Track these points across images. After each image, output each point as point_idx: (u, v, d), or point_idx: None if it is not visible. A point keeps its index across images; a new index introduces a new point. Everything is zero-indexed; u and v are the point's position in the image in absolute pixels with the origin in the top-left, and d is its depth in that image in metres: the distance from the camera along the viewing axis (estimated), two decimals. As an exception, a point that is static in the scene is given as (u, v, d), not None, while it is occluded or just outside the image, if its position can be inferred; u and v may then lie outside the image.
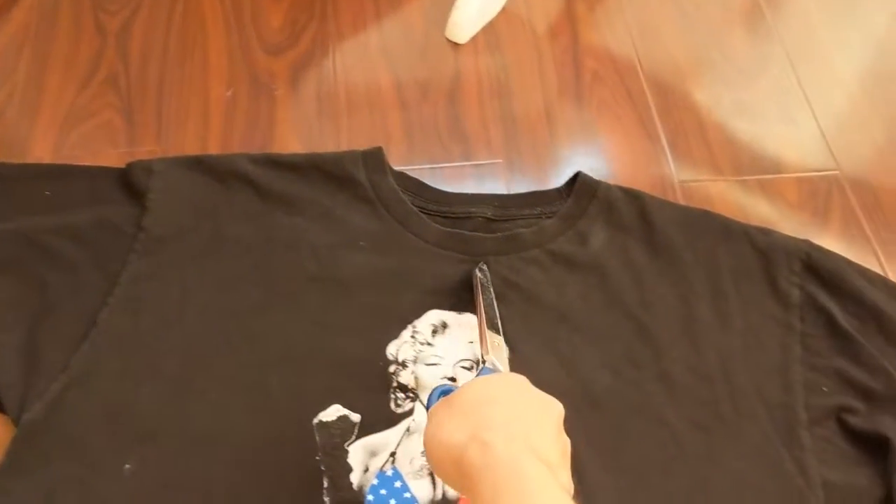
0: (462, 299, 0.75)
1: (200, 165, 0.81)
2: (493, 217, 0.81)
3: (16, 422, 0.66)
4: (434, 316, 0.75)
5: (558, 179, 0.86)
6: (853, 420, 0.70)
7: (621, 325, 0.76)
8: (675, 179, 0.89)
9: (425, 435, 0.53)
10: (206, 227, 0.78)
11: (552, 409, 0.54)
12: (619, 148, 0.92)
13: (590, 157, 0.91)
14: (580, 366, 0.73)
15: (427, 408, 0.59)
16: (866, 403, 0.71)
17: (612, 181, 0.84)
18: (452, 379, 0.72)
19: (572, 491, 0.50)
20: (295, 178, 0.81)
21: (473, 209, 0.81)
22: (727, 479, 0.68)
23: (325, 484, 0.65)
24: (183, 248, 0.76)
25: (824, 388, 0.72)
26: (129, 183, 0.79)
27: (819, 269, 0.78)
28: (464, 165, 0.89)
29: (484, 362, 0.66)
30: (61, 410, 0.67)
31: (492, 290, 0.73)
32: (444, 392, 0.60)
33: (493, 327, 0.69)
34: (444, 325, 0.74)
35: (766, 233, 0.81)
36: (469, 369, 0.72)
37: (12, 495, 0.63)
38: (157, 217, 0.77)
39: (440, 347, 0.73)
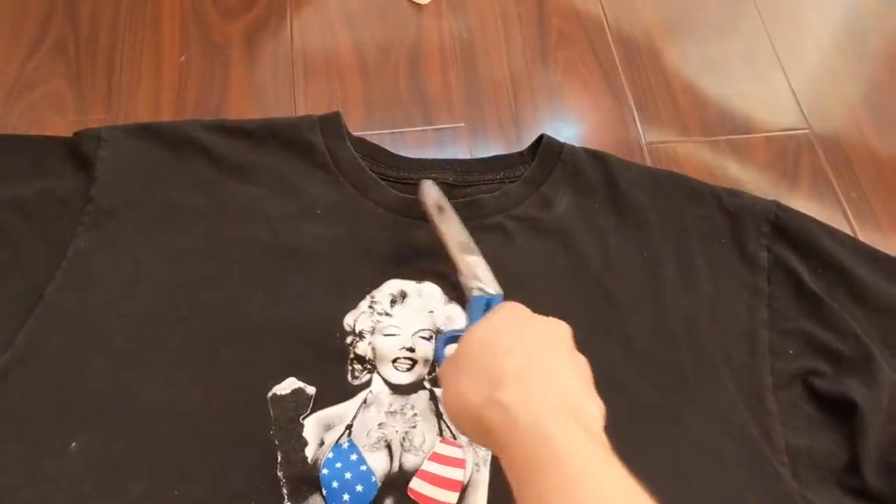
0: (422, 268, 0.73)
1: (150, 133, 0.78)
2: (454, 182, 0.79)
3: None
4: (393, 285, 0.73)
5: (522, 143, 0.84)
6: (819, 383, 0.69)
7: (586, 290, 0.74)
8: (643, 141, 0.87)
9: (444, 400, 0.52)
10: (157, 196, 0.75)
11: (559, 335, 0.52)
12: (586, 110, 0.90)
13: (555, 120, 0.89)
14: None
15: (436, 359, 0.57)
16: (833, 366, 0.70)
17: (578, 143, 0.82)
18: (411, 349, 0.70)
19: (603, 409, 0.49)
20: (249, 144, 0.78)
21: (434, 175, 0.79)
22: (690, 444, 0.67)
23: (279, 458, 0.64)
24: (133, 220, 0.73)
25: (790, 352, 0.71)
26: (76, 152, 0.76)
27: (787, 230, 0.76)
28: (425, 130, 0.87)
29: (471, 293, 0.62)
30: (6, 388, 0.65)
31: (450, 207, 0.70)
32: (449, 339, 0.58)
33: (465, 249, 0.65)
34: (404, 295, 0.72)
35: (734, 194, 0.79)
36: (428, 339, 0.70)
37: None
38: (106, 187, 0.74)
39: (399, 317, 0.71)
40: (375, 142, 0.81)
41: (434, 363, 0.69)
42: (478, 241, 0.74)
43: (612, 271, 0.74)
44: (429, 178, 0.77)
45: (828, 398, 0.69)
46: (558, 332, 0.53)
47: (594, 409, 0.48)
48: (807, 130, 0.89)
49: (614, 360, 0.70)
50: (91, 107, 0.86)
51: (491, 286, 0.62)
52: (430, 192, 0.71)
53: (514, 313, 0.54)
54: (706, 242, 0.76)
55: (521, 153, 0.81)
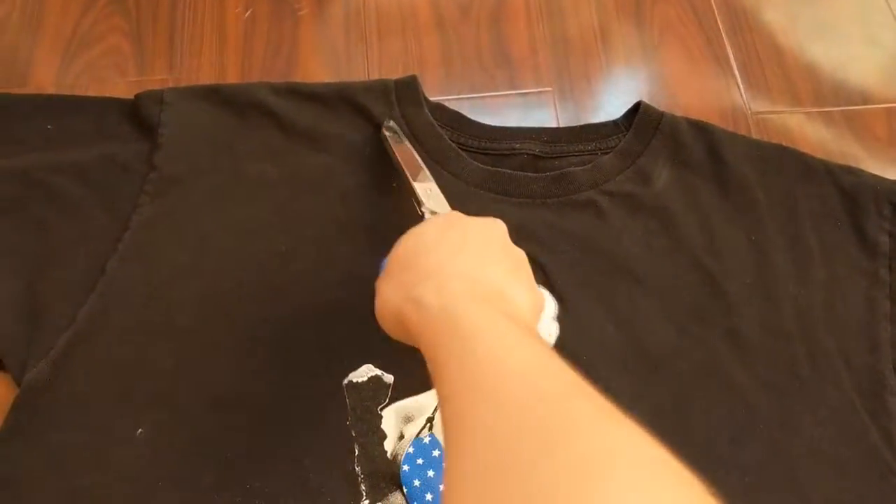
0: None
1: (217, 96, 0.73)
2: (540, 154, 0.73)
3: (18, 381, 0.61)
4: None
5: (615, 110, 0.77)
6: None
7: (687, 275, 0.68)
8: (748, 111, 0.80)
9: (375, 308, 0.51)
10: (224, 165, 0.70)
11: (491, 232, 0.51)
12: (684, 75, 0.82)
13: (651, 85, 0.82)
14: (639, 322, 0.66)
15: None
16: None
17: (677, 111, 0.75)
18: None
19: (536, 302, 0.48)
20: (321, 110, 0.73)
21: (518, 145, 0.73)
22: (803, 449, 0.61)
23: (357, 451, 0.60)
24: (199, 190, 0.69)
25: None
26: (138, 116, 0.72)
27: None
28: (508, 94, 0.80)
29: (422, 216, 0.61)
30: (68, 369, 0.61)
31: (405, 139, 0.70)
32: None
33: (421, 179, 0.65)
34: None
35: (852, 172, 0.72)
36: None
37: (15, 463, 0.58)
38: (170, 154, 0.70)
39: None
40: (454, 108, 0.75)
41: None
42: (568, 218, 0.69)
43: (715, 255, 0.68)
44: (514, 148, 0.72)
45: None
46: (490, 229, 0.52)
47: (520, 298, 0.46)
48: (932, 100, 0.81)
49: (718, 353, 0.64)
50: (152, 66, 0.81)
51: (442, 208, 0.61)
52: (389, 132, 0.71)
53: (447, 218, 0.54)
54: (820, 225, 0.70)
55: (615, 122, 0.75)
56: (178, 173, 0.69)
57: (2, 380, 0.63)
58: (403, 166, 0.66)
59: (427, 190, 0.63)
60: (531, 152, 0.73)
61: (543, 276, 0.67)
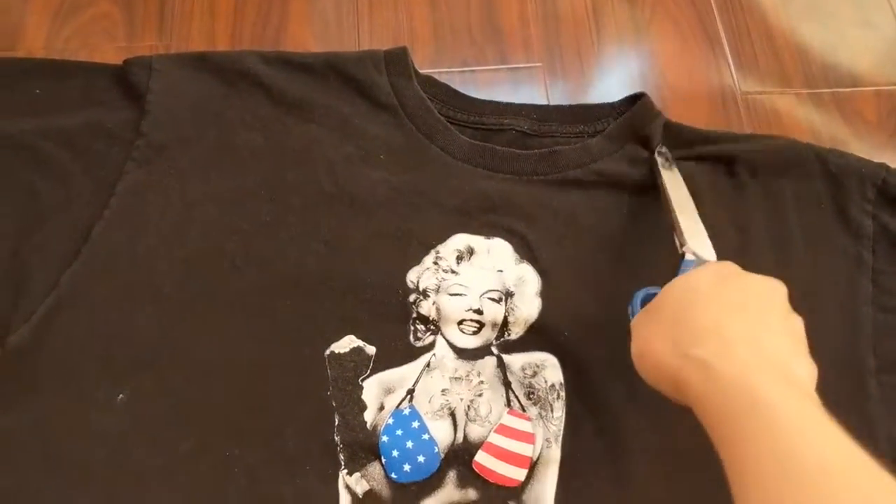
0: (492, 222, 0.68)
1: (205, 63, 0.73)
2: (529, 132, 0.73)
3: (1, 344, 0.61)
4: (459, 240, 0.68)
5: (604, 87, 0.78)
6: None
7: (669, 253, 0.68)
8: (738, 90, 0.80)
9: (632, 352, 0.49)
10: (211, 133, 0.70)
11: (772, 293, 0.49)
12: (675, 53, 0.82)
13: (641, 62, 0.82)
14: (621, 297, 0.65)
15: (631, 315, 0.54)
16: None
17: (667, 91, 0.77)
18: (478, 311, 0.65)
19: (815, 374, 0.46)
20: (310, 80, 0.73)
21: (508, 121, 0.73)
22: None
23: (337, 422, 0.61)
24: (186, 158, 0.69)
25: None
26: (126, 82, 0.72)
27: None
28: (498, 69, 0.80)
29: (683, 255, 0.58)
30: (50, 334, 0.62)
31: (676, 168, 0.67)
32: (647, 297, 0.54)
33: (688, 215, 0.62)
34: (471, 252, 0.67)
35: (839, 154, 0.72)
36: (497, 301, 0.66)
37: None
38: (158, 122, 0.70)
39: (465, 276, 0.66)
40: (444, 80, 0.75)
41: (504, 327, 0.65)
42: (554, 195, 0.69)
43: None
44: (503, 124, 0.72)
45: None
46: (769, 290, 0.49)
47: (805, 371, 0.45)
48: (922, 84, 0.81)
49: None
50: (143, 32, 0.81)
51: (706, 252, 0.58)
52: (661, 159, 0.69)
53: (720, 270, 0.51)
54: (804, 207, 0.70)
55: (611, 105, 0.74)
56: (165, 141, 0.69)
57: (-15, 343, 0.63)
58: (670, 196, 0.64)
59: (693, 229, 0.60)
60: (520, 129, 0.73)
61: (528, 250, 0.67)
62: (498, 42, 0.82)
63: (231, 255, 0.66)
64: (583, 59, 0.81)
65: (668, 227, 0.64)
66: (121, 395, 0.60)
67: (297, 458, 0.59)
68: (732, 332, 0.44)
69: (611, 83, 0.77)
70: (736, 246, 0.68)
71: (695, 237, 0.59)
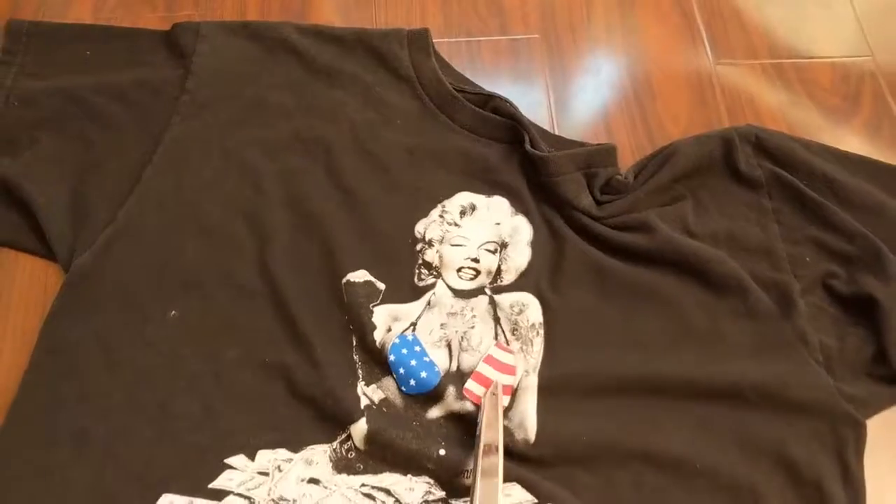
0: (492, 182, 0.77)
1: (247, 31, 0.82)
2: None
3: (66, 269, 0.70)
4: (464, 197, 0.76)
5: (594, 60, 0.87)
6: (838, 285, 0.73)
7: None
8: (710, 61, 0.89)
9: None
10: (249, 93, 0.79)
11: None
12: (657, 30, 0.92)
13: (625, 37, 0.91)
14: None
15: None
16: (846, 267, 0.73)
17: (647, 61, 0.86)
18: (476, 260, 0.73)
19: None
20: (339, 51, 0.82)
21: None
22: (729, 350, 0.71)
23: (354, 342, 0.69)
24: (225, 113, 0.78)
25: (807, 259, 0.74)
26: (174, 44, 0.81)
27: (768, 147, 0.79)
28: (500, 39, 0.89)
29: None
30: (109, 258, 0.70)
31: (502, 406, 0.66)
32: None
33: (488, 452, 0.61)
34: (473, 207, 0.76)
35: (723, 129, 0.81)
36: (493, 252, 0.74)
37: (63, 338, 0.67)
38: (202, 81, 0.79)
39: (467, 228, 0.75)
40: (451, 49, 0.85)
41: (497, 274, 0.72)
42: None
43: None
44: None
45: (848, 297, 0.72)
46: None
47: None
48: (870, 58, 0.91)
49: (662, 281, 0.73)
50: (180, 2, 0.89)
51: None
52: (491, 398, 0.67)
53: None
54: (707, 180, 0.78)
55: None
56: (208, 98, 0.78)
57: (53, 269, 0.72)
58: (483, 426, 0.62)
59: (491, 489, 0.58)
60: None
61: (522, 204, 0.76)
62: (500, 15, 0.90)
63: (266, 197, 0.74)
64: (576, 33, 0.90)
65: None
66: (173, 312, 0.69)
67: (325, 366, 0.67)
68: None
69: (604, 58, 0.86)
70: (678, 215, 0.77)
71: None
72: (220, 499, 0.62)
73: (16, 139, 0.76)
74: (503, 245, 0.74)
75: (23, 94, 0.78)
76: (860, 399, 0.68)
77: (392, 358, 0.68)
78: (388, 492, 0.63)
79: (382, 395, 0.67)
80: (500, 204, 0.76)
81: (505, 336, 0.70)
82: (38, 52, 0.81)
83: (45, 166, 0.74)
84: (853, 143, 0.84)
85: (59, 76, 0.79)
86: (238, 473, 0.63)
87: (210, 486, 0.62)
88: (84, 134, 0.76)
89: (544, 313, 0.71)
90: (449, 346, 0.69)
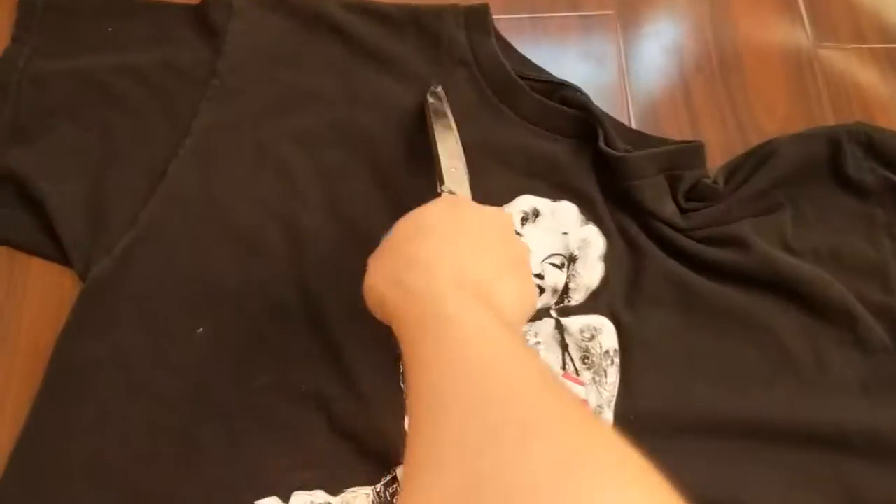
0: (559, 183, 0.70)
1: (284, 6, 0.74)
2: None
3: (82, 277, 0.64)
4: (525, 202, 0.69)
5: (676, 37, 0.78)
6: None
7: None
8: (811, 43, 0.80)
9: (363, 286, 0.51)
10: (286, 76, 0.72)
11: (491, 221, 0.51)
12: (750, 6, 0.82)
13: (713, 10, 0.81)
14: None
15: None
16: None
17: (738, 41, 0.78)
18: (539, 276, 0.67)
19: (532, 301, 0.50)
20: (387, 30, 0.74)
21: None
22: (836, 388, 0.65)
23: (401, 368, 0.63)
24: (259, 99, 0.71)
25: None
26: (204, 21, 0.73)
27: (882, 149, 0.70)
28: (569, 16, 0.80)
29: (440, 193, 0.60)
30: (130, 267, 0.64)
31: (450, 115, 0.67)
32: None
33: (453, 155, 0.63)
34: (536, 213, 0.69)
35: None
36: (560, 267, 0.67)
37: (79, 355, 0.62)
38: (234, 62, 0.71)
39: (528, 238, 0.68)
40: (514, 27, 0.76)
41: (564, 293, 0.66)
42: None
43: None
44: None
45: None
46: (491, 219, 0.52)
47: (508, 292, 0.47)
48: None
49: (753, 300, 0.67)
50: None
51: (461, 191, 0.60)
52: (433, 99, 0.68)
53: (450, 203, 0.53)
54: (807, 180, 0.71)
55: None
56: (240, 82, 0.71)
57: (69, 276, 0.66)
58: (436, 137, 0.64)
59: (452, 168, 0.62)
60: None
61: (593, 211, 0.69)
62: (569, -13, 0.82)
63: (304, 197, 0.68)
64: (655, 9, 0.81)
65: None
66: (200, 329, 0.63)
67: (369, 398, 0.61)
68: (441, 258, 0.46)
69: (682, 36, 0.77)
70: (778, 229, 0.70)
71: (454, 178, 0.60)
72: (250, 547, 0.57)
73: (28, 127, 0.69)
74: (571, 259, 0.67)
75: (36, 76, 0.71)
76: None
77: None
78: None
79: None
80: (567, 210, 0.69)
81: (574, 365, 0.64)
82: (55, 28, 0.74)
83: (60, 159, 0.68)
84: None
85: (77, 56, 0.72)
86: (271, 520, 0.58)
87: (239, 532, 0.57)
88: (104, 122, 0.69)
89: (620, 339, 0.65)
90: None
